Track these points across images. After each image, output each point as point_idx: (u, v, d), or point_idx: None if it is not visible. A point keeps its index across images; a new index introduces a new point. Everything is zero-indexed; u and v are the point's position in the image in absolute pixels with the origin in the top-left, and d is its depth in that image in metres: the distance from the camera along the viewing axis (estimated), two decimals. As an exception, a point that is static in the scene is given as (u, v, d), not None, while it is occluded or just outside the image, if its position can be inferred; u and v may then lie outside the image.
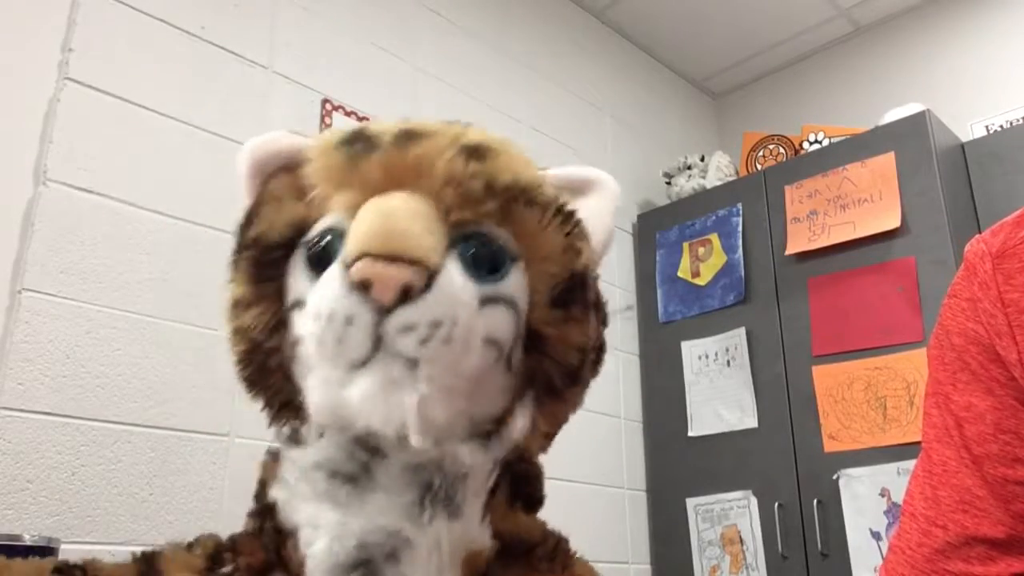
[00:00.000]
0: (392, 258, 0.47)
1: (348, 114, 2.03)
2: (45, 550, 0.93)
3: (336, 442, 0.53)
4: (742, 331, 2.39)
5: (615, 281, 2.65)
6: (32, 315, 1.44)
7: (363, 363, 0.48)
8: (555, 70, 2.67)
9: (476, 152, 0.54)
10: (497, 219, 0.53)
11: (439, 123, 0.57)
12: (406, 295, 0.47)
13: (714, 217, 2.56)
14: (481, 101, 2.38)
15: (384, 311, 0.47)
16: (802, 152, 2.55)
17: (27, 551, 0.91)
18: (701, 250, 2.57)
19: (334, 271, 0.49)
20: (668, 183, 2.80)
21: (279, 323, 0.55)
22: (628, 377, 2.59)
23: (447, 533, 0.52)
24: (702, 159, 2.76)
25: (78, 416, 1.46)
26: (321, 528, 0.52)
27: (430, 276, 0.48)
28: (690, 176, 2.74)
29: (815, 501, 2.13)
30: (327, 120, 1.98)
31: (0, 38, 1.51)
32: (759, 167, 2.65)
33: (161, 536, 1.48)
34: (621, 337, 2.60)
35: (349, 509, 0.52)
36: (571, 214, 0.57)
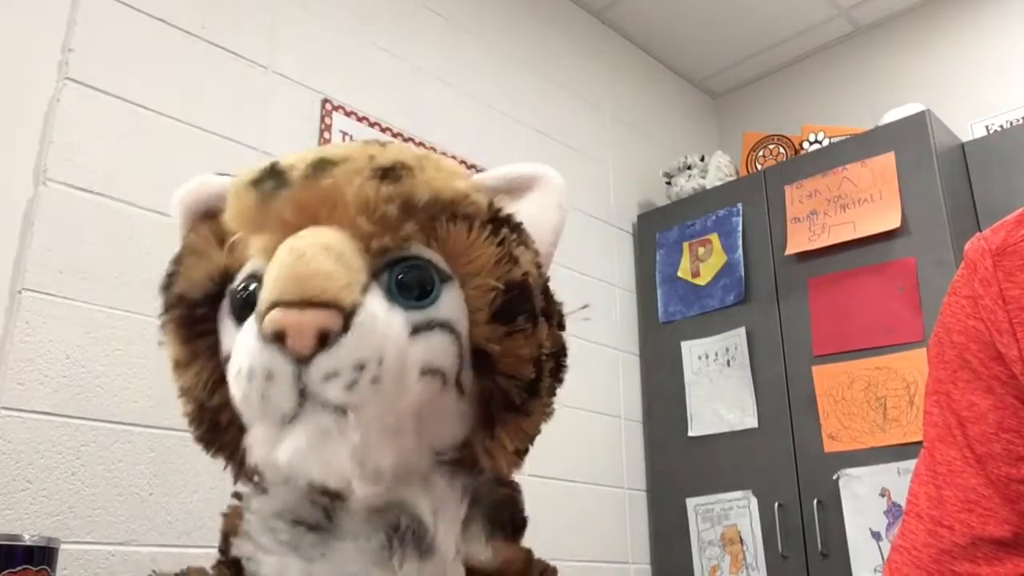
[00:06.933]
0: (304, 304, 0.44)
1: (348, 114, 2.03)
2: (45, 550, 0.93)
3: (296, 488, 0.50)
4: (742, 331, 2.39)
5: (615, 281, 2.65)
6: (32, 315, 1.44)
7: (292, 418, 0.46)
8: (555, 70, 2.67)
9: (389, 173, 0.51)
10: (423, 239, 0.51)
11: (355, 146, 0.53)
12: (324, 341, 0.44)
13: (714, 217, 2.56)
14: (481, 101, 2.38)
15: (304, 360, 0.44)
16: (802, 152, 2.55)
17: (27, 551, 0.91)
18: (701, 250, 2.57)
19: (249, 325, 0.47)
20: (668, 183, 2.80)
21: (220, 379, 0.52)
22: (628, 377, 2.59)
23: (419, 575, 0.49)
24: (702, 159, 2.76)
25: (78, 416, 1.46)
26: None
27: (348, 316, 0.45)
28: (690, 176, 2.74)
29: (815, 501, 2.13)
30: (327, 120, 1.98)
31: (0, 38, 1.51)
32: (759, 167, 2.65)
33: (161, 536, 1.48)
34: (621, 337, 2.60)
35: (314, 559, 0.49)
36: (503, 221, 0.54)
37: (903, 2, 2.86)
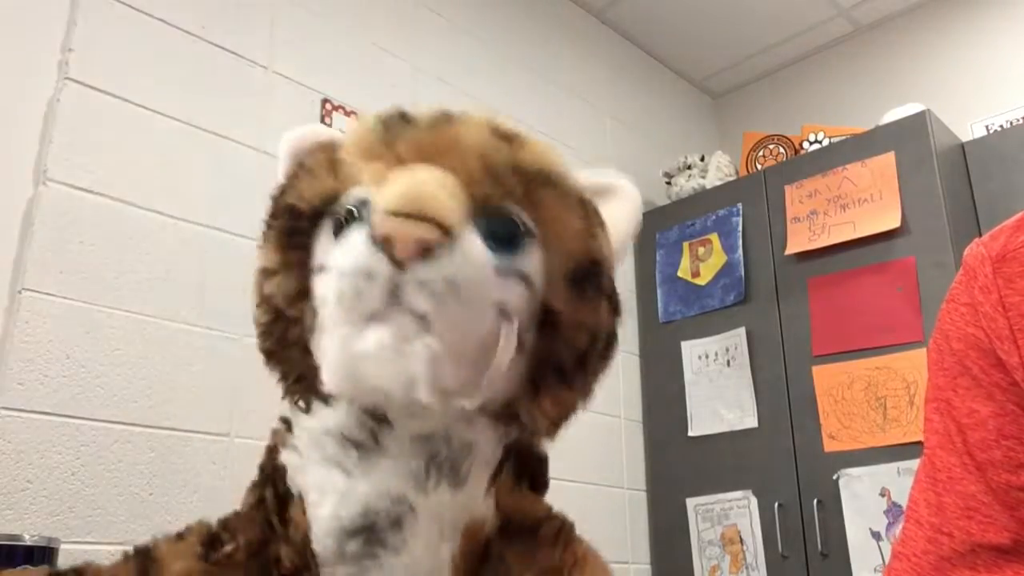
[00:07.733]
0: (415, 217, 0.48)
1: (348, 114, 2.03)
2: (45, 550, 0.93)
3: (347, 409, 0.55)
4: (742, 331, 2.39)
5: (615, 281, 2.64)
6: (32, 315, 1.44)
7: (378, 316, 0.50)
8: (555, 70, 2.67)
9: (505, 136, 0.57)
10: (520, 201, 0.56)
11: (475, 112, 0.59)
12: (425, 253, 0.49)
13: (714, 217, 2.56)
14: (481, 101, 2.38)
15: (403, 267, 0.49)
16: (802, 152, 2.55)
17: (27, 551, 0.91)
18: (701, 250, 2.56)
19: (359, 230, 0.51)
20: (668, 183, 2.80)
21: (301, 293, 0.56)
22: (628, 377, 2.58)
23: (450, 501, 0.53)
24: (702, 159, 2.76)
25: (78, 416, 1.46)
26: (328, 493, 0.53)
27: (450, 238, 0.49)
28: (690, 176, 2.74)
29: (815, 501, 2.13)
30: (327, 120, 1.98)
31: (0, 38, 1.51)
32: (759, 167, 2.65)
33: (161, 536, 1.48)
34: (621, 337, 2.59)
35: (356, 474, 0.53)
36: (591, 203, 0.60)
37: (903, 2, 2.86)
